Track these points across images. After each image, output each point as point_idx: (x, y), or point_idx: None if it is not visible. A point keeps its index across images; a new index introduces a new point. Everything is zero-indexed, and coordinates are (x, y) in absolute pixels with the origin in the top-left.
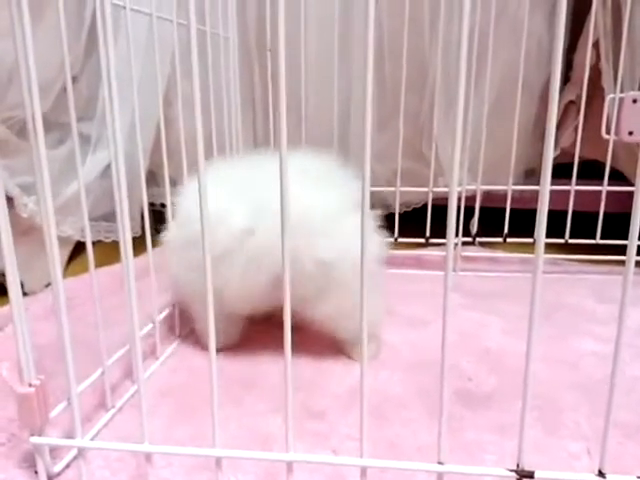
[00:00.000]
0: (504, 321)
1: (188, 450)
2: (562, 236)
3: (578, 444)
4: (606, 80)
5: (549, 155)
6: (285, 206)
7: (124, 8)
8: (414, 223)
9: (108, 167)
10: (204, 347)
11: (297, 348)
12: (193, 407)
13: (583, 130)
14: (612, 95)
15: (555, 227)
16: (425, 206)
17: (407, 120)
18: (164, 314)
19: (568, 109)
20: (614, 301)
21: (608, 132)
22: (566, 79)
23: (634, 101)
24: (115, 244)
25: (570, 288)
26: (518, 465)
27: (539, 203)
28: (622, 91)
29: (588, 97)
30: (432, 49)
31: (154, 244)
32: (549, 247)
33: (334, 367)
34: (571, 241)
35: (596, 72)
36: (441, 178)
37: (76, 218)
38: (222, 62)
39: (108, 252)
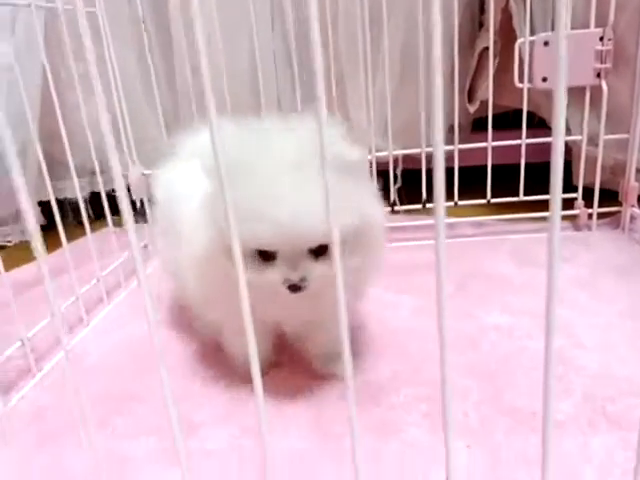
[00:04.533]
0: (415, 299)
1: None
2: (486, 193)
3: (460, 441)
4: (517, 23)
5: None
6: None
7: None
8: None
9: None
10: (239, 372)
11: None
12: (56, 434)
13: (501, 78)
14: (522, 39)
15: (479, 183)
16: None
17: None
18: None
19: (483, 57)
20: (534, 264)
21: (522, 80)
22: (480, 24)
23: (545, 44)
24: (27, 243)
25: (491, 251)
26: None
27: (434, 171)
28: (534, 34)
29: (504, 42)
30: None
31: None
32: (472, 208)
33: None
34: (494, 201)
35: (509, 15)
36: None
37: None
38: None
39: (22, 251)
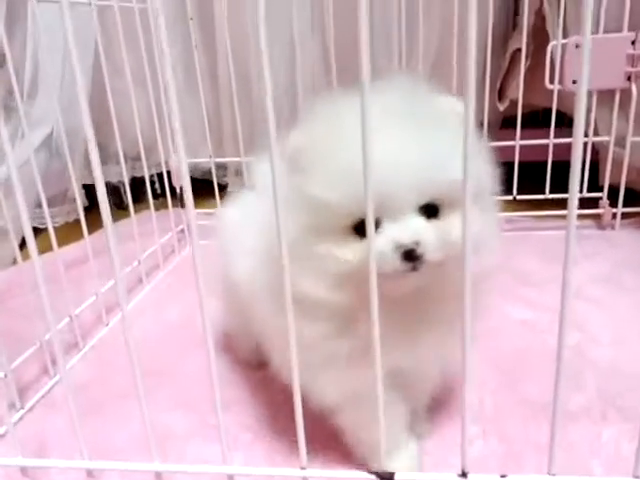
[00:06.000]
0: None
1: (130, 466)
2: (512, 190)
3: (475, 427)
4: (550, 25)
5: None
6: None
7: None
8: None
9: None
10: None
11: None
12: (102, 402)
13: (532, 78)
14: (554, 42)
15: (506, 180)
16: None
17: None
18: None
19: (515, 58)
20: (558, 260)
21: (552, 81)
22: (514, 26)
23: (577, 46)
24: (70, 224)
25: (516, 247)
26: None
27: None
28: (566, 37)
29: (537, 44)
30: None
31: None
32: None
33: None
34: (519, 197)
35: (543, 18)
36: None
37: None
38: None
39: (66, 232)
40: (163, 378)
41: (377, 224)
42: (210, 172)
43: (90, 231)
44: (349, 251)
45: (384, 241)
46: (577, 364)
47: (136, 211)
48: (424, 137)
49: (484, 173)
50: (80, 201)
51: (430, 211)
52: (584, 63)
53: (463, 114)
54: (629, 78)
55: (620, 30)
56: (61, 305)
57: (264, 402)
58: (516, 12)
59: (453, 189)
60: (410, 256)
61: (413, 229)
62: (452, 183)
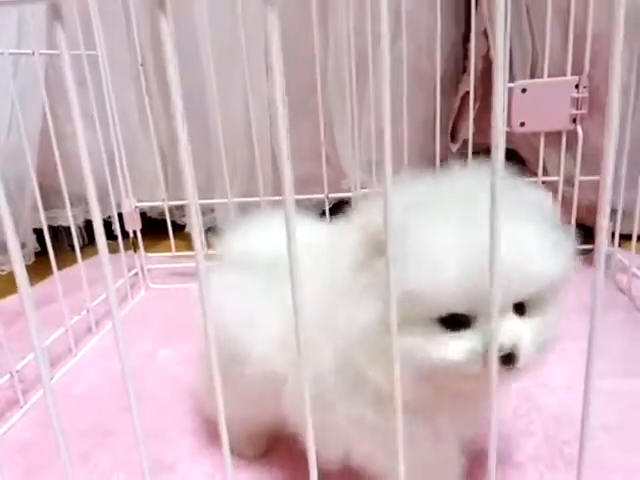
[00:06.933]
0: None
1: None
2: None
3: None
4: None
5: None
6: None
7: None
8: None
9: None
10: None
11: None
12: (41, 466)
13: (483, 119)
14: None
15: None
16: None
17: (311, 121)
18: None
19: (466, 100)
20: None
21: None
22: (463, 69)
23: (523, 90)
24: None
25: None
26: None
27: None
28: (513, 81)
29: (485, 87)
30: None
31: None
32: None
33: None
34: None
35: (491, 62)
36: (344, 181)
37: None
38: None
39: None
40: (107, 436)
41: (470, 321)
42: (168, 212)
43: (42, 276)
44: (441, 347)
45: (482, 341)
46: (525, 408)
47: (92, 253)
48: (525, 231)
49: (567, 267)
50: (13, 248)
51: (520, 309)
52: (497, 109)
53: (548, 206)
54: (574, 120)
55: (564, 74)
56: (3, 359)
57: (212, 460)
58: (465, 56)
59: (550, 286)
60: (507, 359)
61: (512, 331)
62: (551, 280)
